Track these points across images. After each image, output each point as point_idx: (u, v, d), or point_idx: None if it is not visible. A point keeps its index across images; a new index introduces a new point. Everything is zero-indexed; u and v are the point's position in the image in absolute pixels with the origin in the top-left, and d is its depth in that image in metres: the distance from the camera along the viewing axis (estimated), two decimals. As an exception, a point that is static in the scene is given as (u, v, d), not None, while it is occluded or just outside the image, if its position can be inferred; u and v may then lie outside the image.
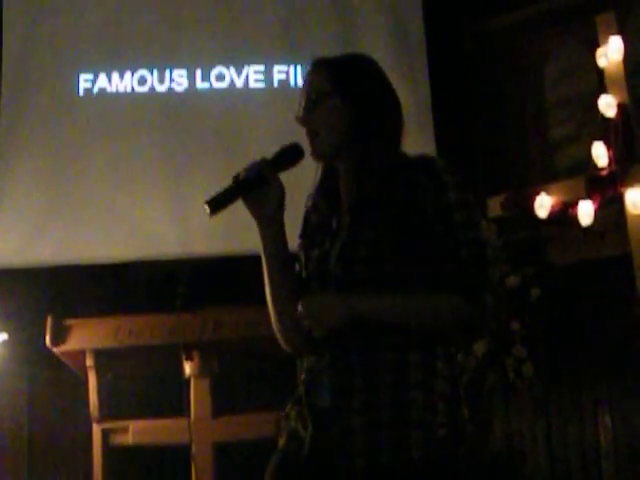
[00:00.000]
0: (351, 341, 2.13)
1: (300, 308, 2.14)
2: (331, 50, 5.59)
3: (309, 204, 2.39)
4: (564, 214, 5.14)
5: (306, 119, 2.29)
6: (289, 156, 2.29)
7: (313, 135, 2.28)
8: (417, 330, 2.11)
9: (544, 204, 5.17)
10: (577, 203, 5.05)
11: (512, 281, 5.08)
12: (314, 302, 2.14)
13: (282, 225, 2.29)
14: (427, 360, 2.11)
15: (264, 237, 2.29)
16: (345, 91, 2.26)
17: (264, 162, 2.25)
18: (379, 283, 2.12)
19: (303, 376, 2.24)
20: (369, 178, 2.21)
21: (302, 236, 2.40)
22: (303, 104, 2.31)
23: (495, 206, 5.33)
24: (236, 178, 2.24)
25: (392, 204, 2.16)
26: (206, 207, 2.22)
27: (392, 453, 2.05)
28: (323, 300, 2.15)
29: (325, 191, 2.35)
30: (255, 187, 2.24)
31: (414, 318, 2.11)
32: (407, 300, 2.12)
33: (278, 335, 2.35)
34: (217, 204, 2.22)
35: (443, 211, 2.13)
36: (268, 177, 2.25)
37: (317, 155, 2.30)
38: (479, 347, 5.03)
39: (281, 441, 2.25)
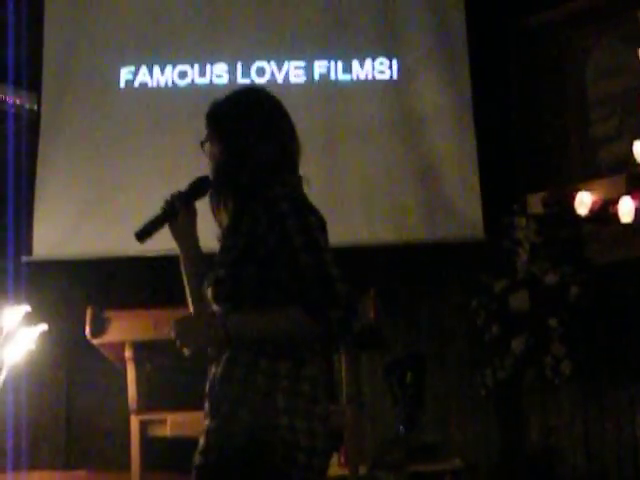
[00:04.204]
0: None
1: (172, 329, 2.42)
2: (372, 45, 5.70)
3: None
4: (605, 212, 5.12)
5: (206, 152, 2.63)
6: (199, 189, 2.61)
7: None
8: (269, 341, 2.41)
9: (585, 201, 5.16)
10: (618, 201, 5.02)
11: (551, 279, 5.06)
12: (185, 324, 2.43)
13: (197, 241, 2.67)
14: (248, 375, 2.37)
15: (186, 258, 2.67)
16: (217, 138, 2.56)
17: (179, 195, 2.60)
18: (233, 301, 2.40)
19: None
20: (229, 210, 2.54)
21: None
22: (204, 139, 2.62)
23: (536, 203, 5.32)
24: (165, 209, 2.61)
25: (238, 234, 2.45)
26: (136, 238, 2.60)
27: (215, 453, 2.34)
28: (193, 323, 2.45)
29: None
30: (175, 216, 2.61)
31: (274, 335, 2.38)
32: (269, 320, 2.38)
33: None
34: (145, 234, 2.59)
35: (283, 239, 2.37)
36: (188, 206, 2.62)
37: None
38: (517, 345, 5.02)
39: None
